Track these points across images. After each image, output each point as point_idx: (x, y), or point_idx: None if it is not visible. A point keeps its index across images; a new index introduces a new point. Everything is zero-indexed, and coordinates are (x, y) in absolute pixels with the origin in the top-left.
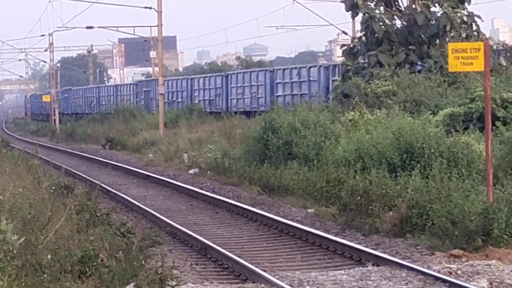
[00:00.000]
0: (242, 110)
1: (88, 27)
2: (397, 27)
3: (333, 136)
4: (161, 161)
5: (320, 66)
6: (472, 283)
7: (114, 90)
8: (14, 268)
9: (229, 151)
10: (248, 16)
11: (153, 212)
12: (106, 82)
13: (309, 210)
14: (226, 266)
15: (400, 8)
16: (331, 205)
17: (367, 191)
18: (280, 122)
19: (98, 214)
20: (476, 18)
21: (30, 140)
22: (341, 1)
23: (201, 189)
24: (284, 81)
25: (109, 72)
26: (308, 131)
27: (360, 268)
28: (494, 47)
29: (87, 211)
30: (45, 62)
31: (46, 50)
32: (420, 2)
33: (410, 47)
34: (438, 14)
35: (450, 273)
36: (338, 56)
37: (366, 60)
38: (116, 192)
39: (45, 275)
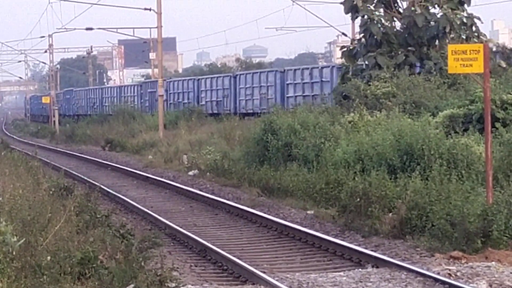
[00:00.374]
0: (251, 111)
1: (87, 29)
2: (397, 29)
3: (333, 137)
4: (161, 162)
5: (333, 66)
6: (471, 285)
7: (118, 91)
8: (14, 270)
9: (228, 153)
10: (248, 18)
11: (153, 214)
12: (105, 83)
13: (308, 212)
14: (225, 267)
15: (399, 9)
16: (331, 206)
17: (366, 193)
18: (280, 123)
19: (97, 216)
20: (475, 20)
21: (30, 142)
22: (341, 3)
23: (200, 190)
24: (295, 82)
25: (109, 73)
26: (308, 133)
27: (360, 269)
28: (494, 49)
29: (87, 213)
30: (44, 63)
31: (45, 52)
32: (419, 3)
33: (410, 48)
34: (438, 16)
35: (450, 274)
36: (337, 58)
37: (366, 62)
38: (116, 193)
39: (45, 277)
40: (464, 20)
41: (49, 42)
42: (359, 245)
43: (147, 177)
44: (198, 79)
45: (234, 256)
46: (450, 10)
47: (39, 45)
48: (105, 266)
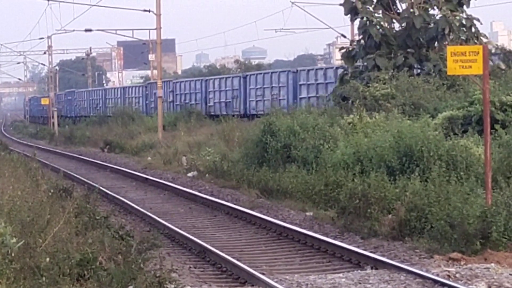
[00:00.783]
0: (262, 112)
1: (87, 30)
2: (396, 31)
3: (332, 139)
4: (160, 164)
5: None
6: (470, 286)
7: (122, 92)
8: (13, 271)
9: (227, 154)
10: (247, 19)
11: (152, 215)
12: (105, 85)
13: (307, 213)
14: (224, 269)
15: (398, 11)
16: (330, 208)
17: (365, 194)
18: (279, 125)
19: (96, 217)
20: (475, 21)
21: (29, 143)
22: (340, 5)
23: (199, 192)
24: (308, 83)
25: (108, 75)
26: (307, 134)
27: (359, 271)
28: (493, 50)
29: (86, 214)
30: (43, 65)
31: (44, 53)
32: (418, 5)
33: (409, 50)
34: (437, 17)
35: (449, 276)
36: (337, 60)
37: (365, 64)
38: (115, 195)
39: (44, 278)
40: (463, 21)
41: (48, 43)
42: (358, 247)
43: (146, 178)
44: (206, 80)
45: (233, 257)
46: (449, 12)
47: (38, 47)
48: (104, 267)
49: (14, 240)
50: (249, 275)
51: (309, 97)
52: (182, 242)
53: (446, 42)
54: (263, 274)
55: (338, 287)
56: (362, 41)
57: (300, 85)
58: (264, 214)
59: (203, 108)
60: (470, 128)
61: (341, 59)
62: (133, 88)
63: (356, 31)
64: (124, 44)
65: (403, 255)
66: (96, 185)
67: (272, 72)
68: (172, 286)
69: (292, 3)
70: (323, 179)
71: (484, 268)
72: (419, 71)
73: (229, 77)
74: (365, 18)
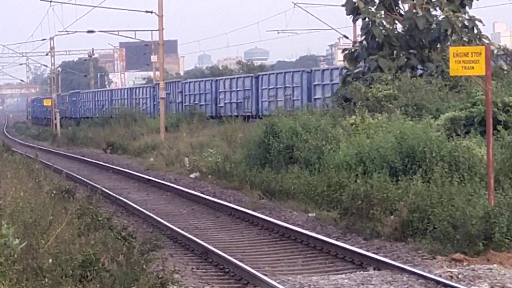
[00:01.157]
0: (275, 113)
1: (89, 31)
2: (398, 31)
3: (334, 140)
4: (162, 165)
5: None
6: (473, 287)
7: (129, 93)
8: (15, 272)
9: (230, 155)
10: (249, 20)
11: (154, 216)
12: (107, 86)
13: (310, 214)
14: (227, 270)
15: (401, 12)
16: (332, 209)
17: (368, 195)
18: (281, 126)
19: (99, 218)
20: (477, 22)
21: (31, 144)
22: (342, 5)
23: (202, 193)
24: (323, 83)
25: (110, 76)
26: (309, 135)
27: (361, 272)
28: (495, 51)
29: (88, 215)
30: (46, 66)
31: (47, 54)
32: (421, 6)
33: (411, 51)
34: (439, 18)
35: (452, 277)
36: (339, 61)
37: (367, 65)
38: (117, 196)
39: (46, 279)
40: (466, 22)
41: (51, 45)
42: (360, 248)
43: (149, 179)
44: (216, 80)
45: (235, 258)
46: (451, 13)
47: (41, 48)
48: (106, 268)
49: (17, 241)
50: (251, 276)
51: (324, 98)
52: (184, 243)
53: (449, 43)
54: (265, 275)
55: None
56: (364, 42)
57: (315, 85)
58: (266, 215)
59: (213, 109)
60: (473, 129)
61: (343, 60)
62: (141, 89)
63: (358, 32)
64: (126, 45)
65: (405, 256)
66: (99, 186)
67: (285, 72)
68: (175, 287)
69: (294, 4)
70: (325, 180)
71: (487, 269)
72: (421, 72)
73: (241, 77)
74: (367, 19)
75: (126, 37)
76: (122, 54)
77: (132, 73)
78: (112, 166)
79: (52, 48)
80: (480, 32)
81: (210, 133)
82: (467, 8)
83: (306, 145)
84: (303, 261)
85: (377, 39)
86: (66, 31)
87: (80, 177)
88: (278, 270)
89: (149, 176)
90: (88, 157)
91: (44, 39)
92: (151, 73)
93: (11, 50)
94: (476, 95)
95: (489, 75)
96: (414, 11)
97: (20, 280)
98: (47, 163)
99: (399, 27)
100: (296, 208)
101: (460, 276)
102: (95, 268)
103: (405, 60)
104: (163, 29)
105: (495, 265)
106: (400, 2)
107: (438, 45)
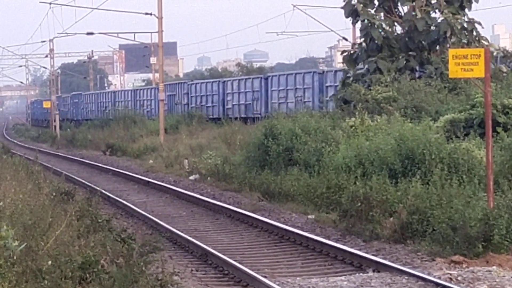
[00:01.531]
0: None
1: (88, 33)
2: (397, 33)
3: (334, 142)
4: (162, 167)
5: None
6: None
7: (133, 94)
8: (15, 274)
9: (229, 157)
10: (249, 22)
11: (154, 218)
12: (106, 88)
13: (309, 216)
14: (226, 272)
15: (400, 14)
16: (332, 211)
17: (367, 197)
18: (281, 128)
19: (98, 220)
20: (476, 24)
21: (31, 146)
22: (341, 8)
23: (201, 195)
24: (335, 84)
25: (110, 78)
26: (309, 137)
27: (361, 274)
28: (495, 53)
29: (88, 217)
30: (45, 68)
31: (46, 56)
32: (420, 8)
33: (411, 53)
34: (439, 20)
35: (451, 279)
36: (338, 63)
37: (366, 67)
38: (117, 198)
39: (46, 281)
40: (465, 24)
41: (50, 47)
42: (360, 250)
43: (148, 181)
44: (224, 81)
45: (235, 260)
46: (450, 15)
47: (40, 50)
48: (106, 270)
49: (16, 243)
50: (251, 278)
51: (321, 100)
52: (184, 245)
53: (448, 45)
54: (265, 277)
55: None
56: (363, 44)
57: (327, 86)
58: (266, 217)
59: (221, 111)
60: (472, 131)
61: (342, 62)
62: (145, 91)
63: (358, 34)
64: (125, 47)
65: (405, 258)
66: (98, 188)
67: (296, 73)
68: None
69: (294, 6)
70: (325, 182)
71: (486, 271)
72: (420, 74)
73: (249, 78)
74: (366, 21)
75: (126, 39)
76: (121, 56)
77: (132, 75)
78: (111, 168)
79: (51, 50)
80: (479, 34)
81: (209, 135)
82: (466, 10)
83: (305, 147)
84: (303, 263)
85: (376, 41)
86: (66, 33)
87: (79, 179)
88: (277, 272)
89: (149, 178)
90: (88, 159)
91: (44, 41)
92: (150, 75)
93: (10, 52)
94: (475, 97)
95: (489, 77)
96: (413, 13)
97: (20, 282)
98: (47, 165)
99: (398, 29)
100: (296, 210)
101: (459, 278)
102: (95, 270)
103: (405, 62)
104: (162, 31)
105: (494, 267)
106: (399, 4)
107: (438, 47)
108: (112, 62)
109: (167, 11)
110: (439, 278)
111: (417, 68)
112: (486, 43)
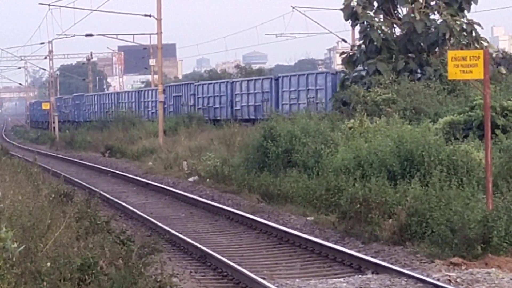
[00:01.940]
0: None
1: (87, 35)
2: (397, 35)
3: (333, 144)
4: (161, 169)
5: None
6: None
7: (137, 96)
8: (14, 276)
9: (228, 159)
10: (248, 24)
11: (153, 220)
12: (105, 89)
13: (308, 218)
14: (225, 274)
15: (399, 16)
16: (331, 213)
17: (366, 199)
18: (280, 130)
19: (97, 222)
20: (475, 26)
21: (30, 148)
22: (340, 10)
23: (200, 197)
24: None
25: (109, 79)
26: (308, 139)
27: (360, 276)
28: (494, 55)
29: (87, 219)
30: (44, 69)
31: (45, 58)
32: (419, 10)
33: (410, 55)
34: (438, 22)
35: (450, 281)
36: (337, 64)
37: (366, 68)
38: (116, 199)
39: (45, 283)
40: (464, 26)
41: (49, 48)
42: (359, 251)
43: (147, 183)
44: (232, 82)
45: (234, 262)
46: (450, 17)
47: (39, 52)
48: (105, 272)
49: (15, 245)
50: (250, 280)
51: (319, 101)
52: (183, 247)
53: (447, 47)
54: (264, 278)
55: None
56: (363, 46)
57: None
58: (265, 219)
59: (229, 112)
60: (471, 133)
61: (341, 64)
62: (149, 92)
63: (357, 35)
64: (125, 49)
65: (404, 259)
66: (97, 190)
67: (308, 74)
68: None
69: (293, 8)
70: (324, 184)
71: (485, 273)
72: (420, 75)
73: (259, 79)
74: (365, 23)
75: (125, 40)
76: (120, 58)
77: (131, 77)
78: (110, 169)
79: (50, 51)
80: (479, 35)
81: (208, 137)
82: (465, 12)
83: (304, 149)
84: (302, 264)
85: (375, 43)
86: (65, 35)
87: (78, 181)
88: (276, 273)
89: (148, 179)
90: (87, 161)
91: (43, 43)
92: (149, 77)
93: (9, 54)
94: (474, 99)
95: (488, 79)
96: (412, 15)
97: (19, 284)
98: (46, 166)
99: (397, 31)
100: (295, 212)
101: (458, 280)
102: (94, 271)
103: (404, 64)
104: (161, 32)
105: (493, 269)
106: (398, 6)
107: (437, 49)
108: (111, 64)
109: (166, 13)
110: (438, 280)
111: (416, 70)
112: (485, 43)
